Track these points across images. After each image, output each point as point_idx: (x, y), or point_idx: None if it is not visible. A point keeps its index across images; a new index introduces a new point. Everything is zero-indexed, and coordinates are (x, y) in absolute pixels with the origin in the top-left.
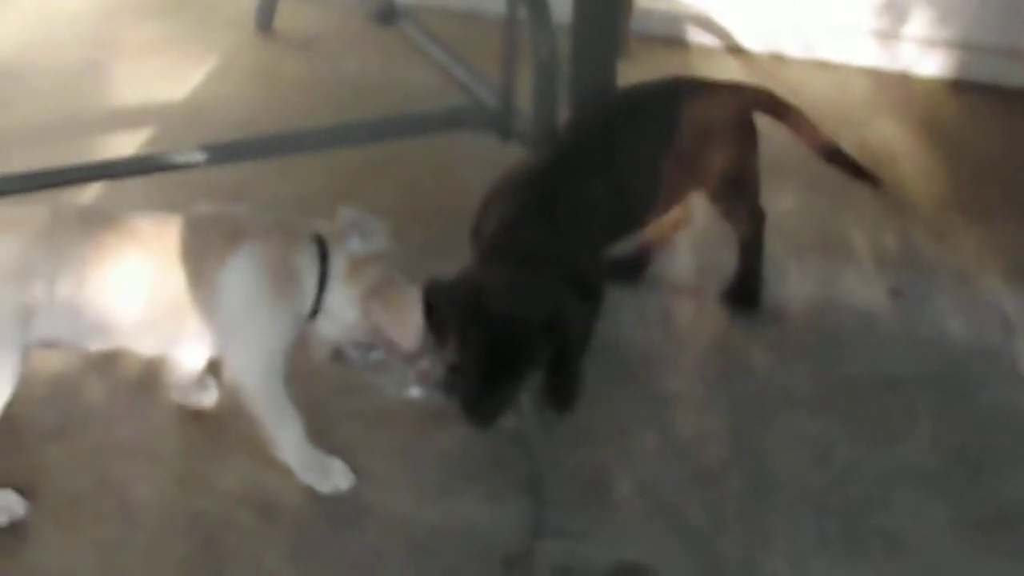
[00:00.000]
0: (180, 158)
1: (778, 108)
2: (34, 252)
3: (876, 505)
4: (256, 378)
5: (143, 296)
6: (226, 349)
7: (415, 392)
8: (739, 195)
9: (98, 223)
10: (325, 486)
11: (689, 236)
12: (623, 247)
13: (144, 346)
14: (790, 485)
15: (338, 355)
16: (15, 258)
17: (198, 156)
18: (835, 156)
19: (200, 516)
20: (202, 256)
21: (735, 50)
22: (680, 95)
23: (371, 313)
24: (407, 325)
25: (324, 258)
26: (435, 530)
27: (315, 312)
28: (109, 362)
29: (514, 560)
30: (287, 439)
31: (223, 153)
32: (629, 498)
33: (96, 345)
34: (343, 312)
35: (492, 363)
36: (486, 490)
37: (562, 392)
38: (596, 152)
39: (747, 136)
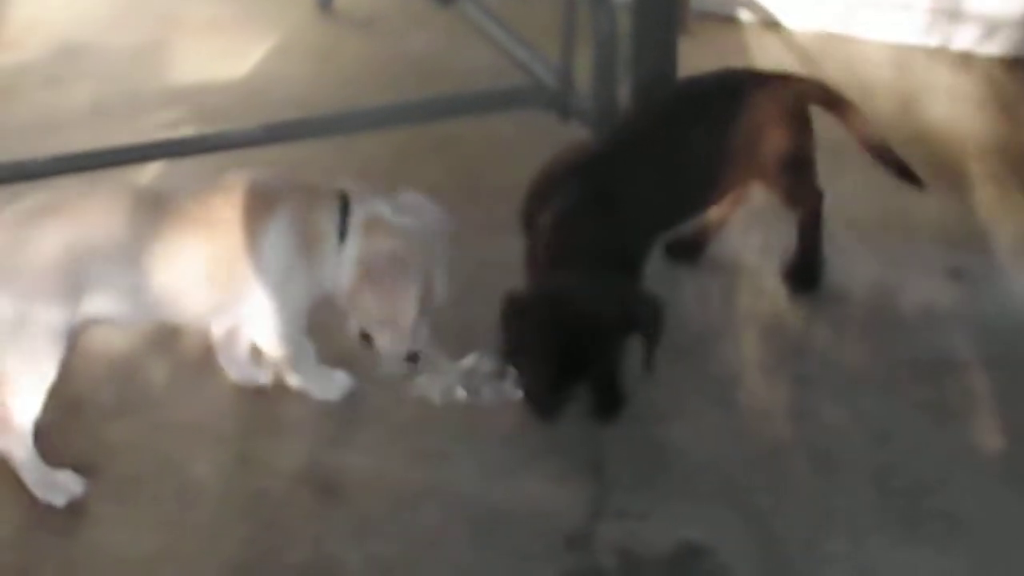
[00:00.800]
0: (240, 137)
1: (831, 101)
2: (88, 235)
3: (937, 486)
4: (278, 331)
5: (197, 270)
6: (255, 305)
7: (461, 394)
8: (796, 180)
9: (150, 203)
10: (335, 393)
11: (747, 216)
12: (682, 228)
13: (200, 319)
14: (850, 465)
15: (366, 339)
16: (68, 242)
17: (258, 135)
18: (883, 154)
19: (260, 495)
20: (246, 225)
21: (792, 29)
22: (738, 87)
23: (368, 274)
24: (402, 309)
25: (345, 214)
26: (497, 510)
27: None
28: (170, 342)
29: (576, 540)
30: (304, 374)
31: (283, 131)
32: (690, 478)
33: (153, 319)
34: (341, 268)
35: (569, 362)
36: (549, 471)
37: (609, 397)
38: (655, 142)
39: (802, 125)
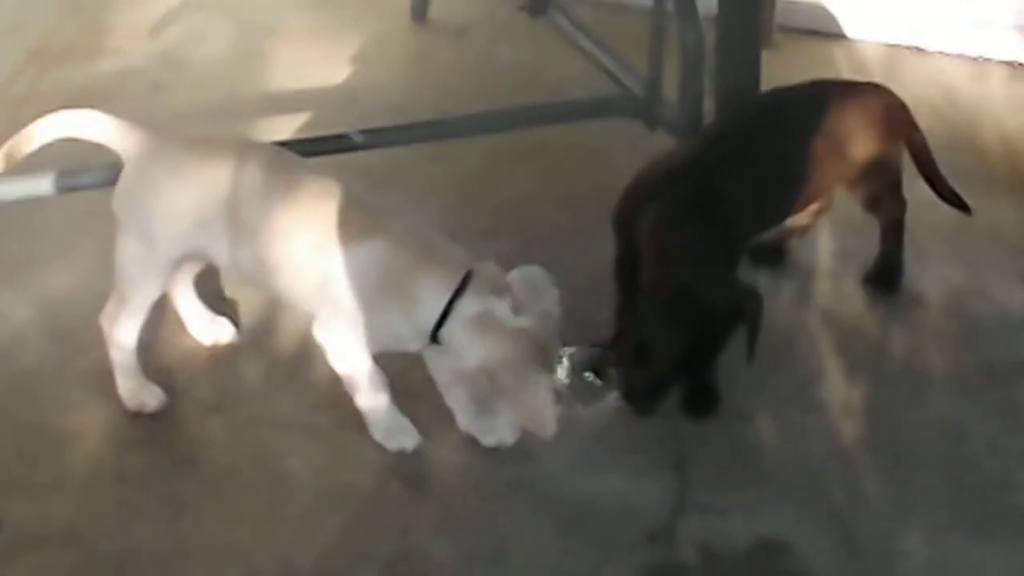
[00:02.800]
0: (337, 142)
1: (905, 120)
2: (209, 193)
3: (1010, 485)
4: (344, 358)
5: (294, 246)
6: (323, 318)
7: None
8: (880, 187)
9: (281, 167)
10: (392, 444)
11: (828, 223)
12: (767, 234)
13: (292, 300)
14: (925, 464)
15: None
16: (193, 195)
17: (356, 139)
18: (935, 180)
19: (351, 488)
20: (339, 233)
21: (872, 41)
22: (827, 97)
23: (496, 380)
24: (536, 413)
25: (459, 293)
26: (582, 505)
27: (435, 338)
28: (266, 339)
29: (658, 535)
30: (368, 405)
31: (378, 138)
32: (769, 475)
33: (243, 274)
34: (462, 351)
35: (691, 352)
36: (632, 467)
37: (704, 399)
38: (749, 149)
39: (888, 134)
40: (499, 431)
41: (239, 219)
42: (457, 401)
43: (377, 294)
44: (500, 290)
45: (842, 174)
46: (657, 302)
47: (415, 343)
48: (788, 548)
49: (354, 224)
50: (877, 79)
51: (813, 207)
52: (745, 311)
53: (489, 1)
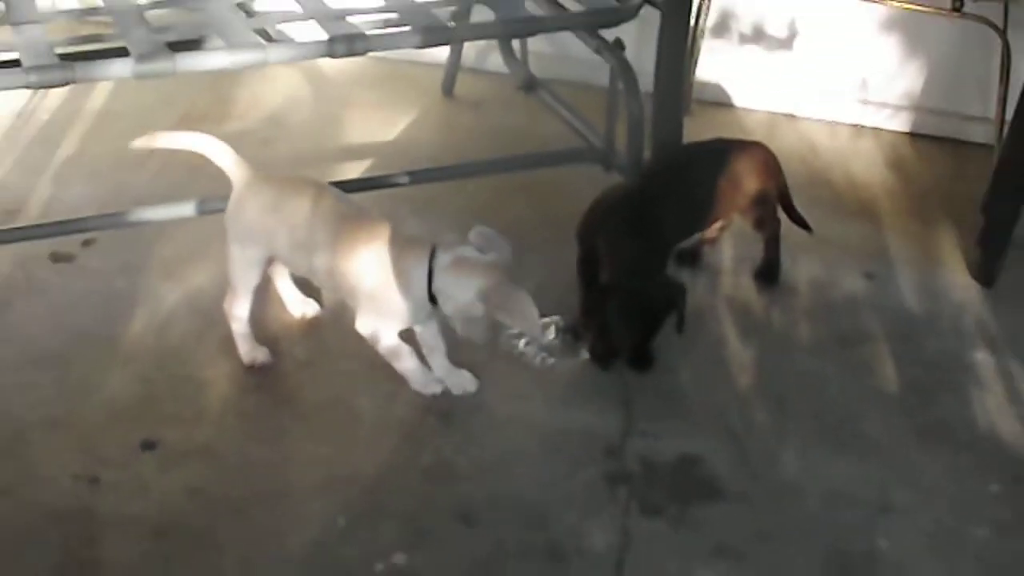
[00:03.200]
0: (390, 180)
1: (777, 168)
2: (281, 216)
3: (857, 417)
4: (380, 340)
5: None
6: (363, 311)
7: (545, 355)
8: (762, 212)
9: (343, 203)
10: (427, 391)
11: (729, 237)
12: (687, 243)
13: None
14: (799, 405)
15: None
16: (266, 212)
17: (403, 179)
18: (792, 215)
19: (401, 420)
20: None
21: (762, 110)
22: (725, 149)
23: (490, 300)
24: (526, 314)
25: (432, 257)
26: (559, 431)
27: (433, 299)
28: (341, 314)
29: (613, 451)
30: (403, 368)
31: (418, 177)
32: (690, 411)
33: (316, 278)
34: (454, 293)
35: (638, 332)
36: (594, 405)
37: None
38: (672, 184)
39: (767, 176)
40: (464, 383)
41: (313, 238)
42: (439, 361)
43: (389, 285)
44: (463, 245)
45: (736, 203)
46: (615, 301)
47: (420, 316)
48: (701, 461)
49: (395, 245)
50: (760, 137)
51: (718, 225)
52: (675, 301)
53: (497, 82)
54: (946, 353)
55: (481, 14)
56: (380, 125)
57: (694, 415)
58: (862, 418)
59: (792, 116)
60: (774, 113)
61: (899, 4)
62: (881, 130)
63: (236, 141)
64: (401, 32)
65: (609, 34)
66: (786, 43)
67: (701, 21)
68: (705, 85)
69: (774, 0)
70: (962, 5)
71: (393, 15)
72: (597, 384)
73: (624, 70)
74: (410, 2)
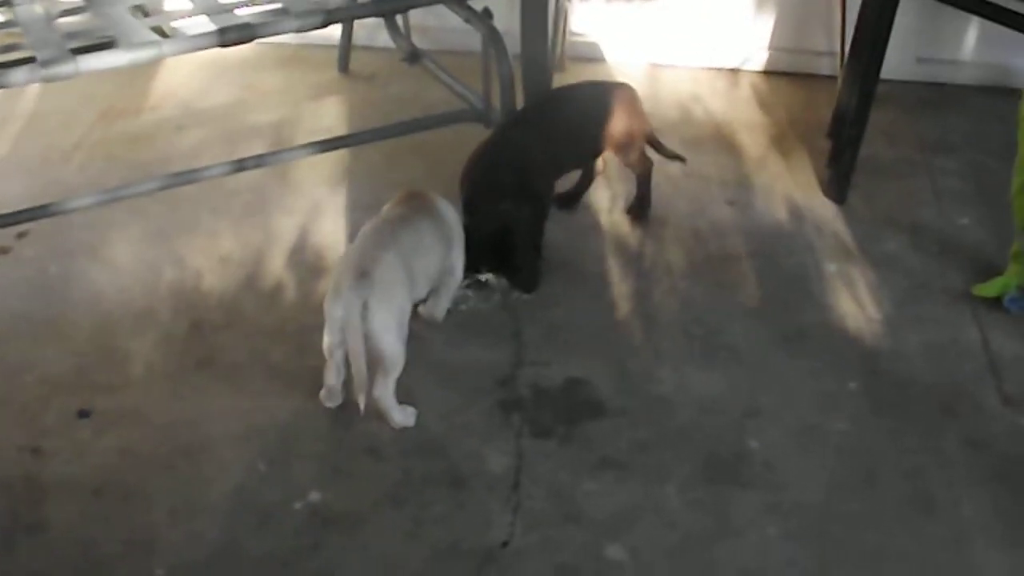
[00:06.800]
0: (297, 153)
1: (640, 108)
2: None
3: (722, 330)
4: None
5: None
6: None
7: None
8: (632, 150)
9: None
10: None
11: (604, 179)
12: (564, 184)
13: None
14: (670, 323)
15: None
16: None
17: (307, 150)
18: (660, 150)
19: (312, 369)
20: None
21: (632, 62)
22: (586, 94)
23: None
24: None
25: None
26: (456, 366)
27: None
28: (257, 279)
29: (505, 381)
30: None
31: (319, 147)
32: (573, 338)
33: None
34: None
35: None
36: (487, 340)
37: (522, 278)
38: (539, 121)
39: (634, 115)
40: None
41: None
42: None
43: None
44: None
45: (603, 141)
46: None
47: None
48: (586, 383)
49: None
50: (636, 85)
51: (592, 166)
52: (518, 221)
53: (388, 57)
54: (803, 266)
55: None
56: (283, 104)
57: (578, 342)
58: (728, 332)
59: (659, 65)
60: (643, 64)
61: None
62: (740, 71)
63: (153, 129)
64: (280, 18)
65: (479, 4)
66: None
67: None
68: (578, 43)
69: None
70: None
71: (279, 4)
72: (489, 322)
73: (491, 36)
74: None
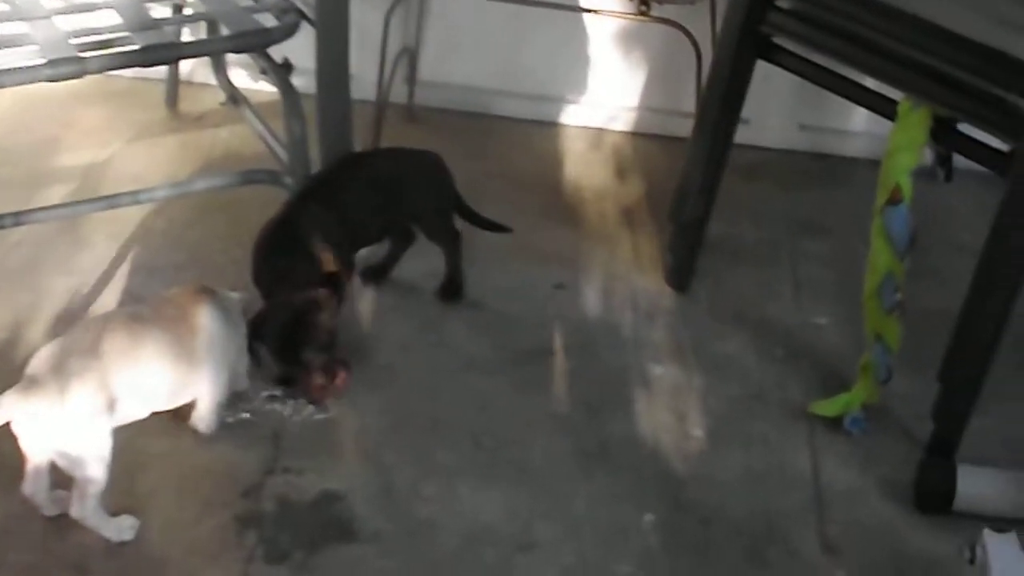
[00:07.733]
0: (85, 205)
1: (448, 178)
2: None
3: (516, 442)
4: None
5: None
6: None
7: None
8: (437, 223)
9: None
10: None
11: (418, 251)
12: (373, 257)
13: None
14: (456, 428)
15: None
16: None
17: (96, 205)
18: (476, 221)
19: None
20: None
21: (489, 116)
22: (391, 157)
23: None
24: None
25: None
26: (204, 469)
27: None
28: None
29: (250, 491)
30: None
31: (108, 202)
32: (341, 442)
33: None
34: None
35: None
36: (244, 439)
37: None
38: (328, 194)
39: (440, 184)
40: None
41: None
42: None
43: None
44: None
45: (403, 214)
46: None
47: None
48: (341, 498)
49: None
50: (477, 142)
51: (399, 238)
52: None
53: (212, 99)
54: (625, 367)
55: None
56: (98, 145)
57: (344, 448)
58: (521, 443)
59: (519, 120)
60: (497, 117)
61: (591, 9)
62: (605, 130)
63: None
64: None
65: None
66: (501, 50)
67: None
68: (430, 89)
69: (481, 6)
70: (649, 8)
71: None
72: (248, 420)
73: (284, 90)
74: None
